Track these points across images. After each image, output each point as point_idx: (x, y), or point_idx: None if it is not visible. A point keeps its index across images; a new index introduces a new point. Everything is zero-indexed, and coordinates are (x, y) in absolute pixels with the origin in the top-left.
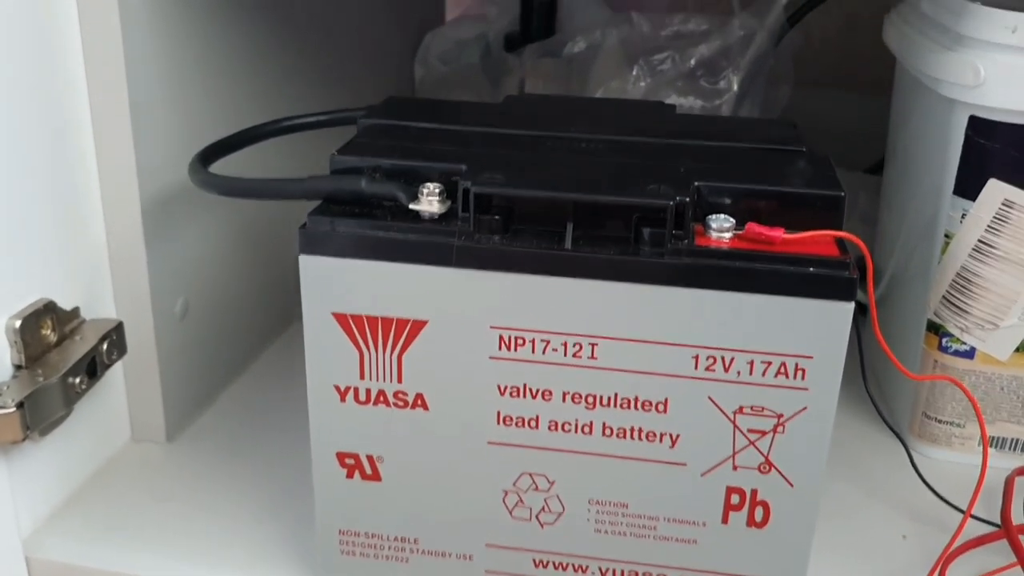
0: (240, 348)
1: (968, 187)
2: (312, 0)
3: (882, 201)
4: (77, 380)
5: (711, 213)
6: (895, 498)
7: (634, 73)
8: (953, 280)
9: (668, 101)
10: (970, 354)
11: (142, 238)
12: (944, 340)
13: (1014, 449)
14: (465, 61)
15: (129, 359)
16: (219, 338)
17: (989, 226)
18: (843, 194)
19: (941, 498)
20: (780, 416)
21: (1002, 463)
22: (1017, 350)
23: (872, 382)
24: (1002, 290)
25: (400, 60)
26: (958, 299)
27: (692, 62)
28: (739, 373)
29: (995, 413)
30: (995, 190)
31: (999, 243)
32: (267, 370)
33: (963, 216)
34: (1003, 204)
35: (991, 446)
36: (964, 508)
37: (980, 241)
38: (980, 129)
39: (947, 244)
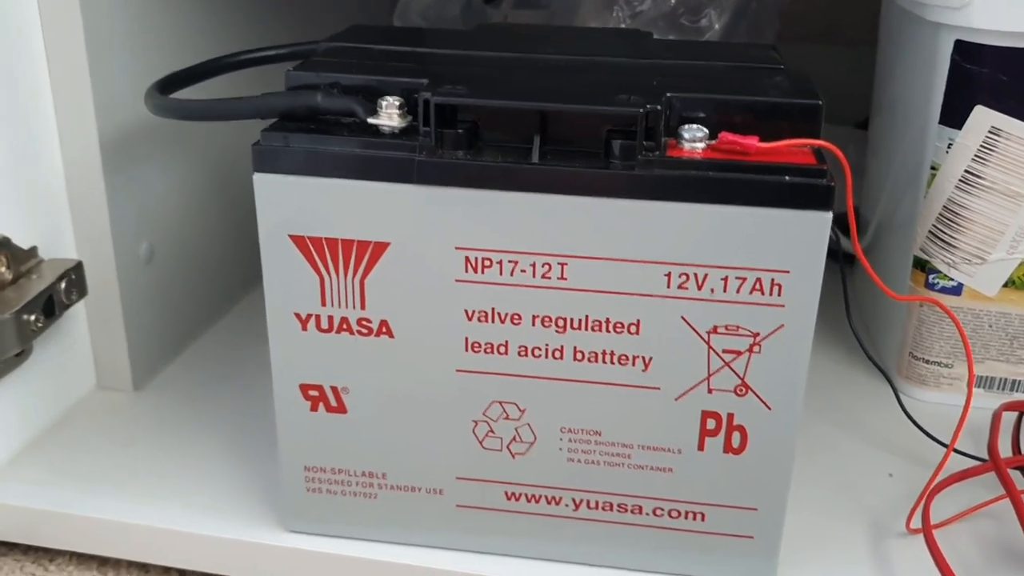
0: (211, 297)
1: (955, 115)
2: None
3: (869, 150)
4: (32, 318)
5: (684, 124)
6: (882, 437)
7: (614, 15)
8: (940, 213)
9: None
10: (957, 290)
11: (101, 175)
12: (931, 276)
13: (1002, 388)
14: (445, 15)
15: (92, 302)
16: (187, 286)
17: (976, 155)
18: (820, 103)
19: (927, 434)
20: (756, 335)
21: (990, 403)
22: (1005, 285)
23: (859, 325)
24: (990, 222)
25: (379, 15)
26: (945, 233)
27: (673, 1)
28: (713, 291)
29: (983, 351)
30: (982, 117)
31: (987, 173)
32: (240, 320)
33: (949, 146)
34: (990, 131)
35: (979, 386)
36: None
37: (967, 171)
38: (966, 53)
39: (934, 176)
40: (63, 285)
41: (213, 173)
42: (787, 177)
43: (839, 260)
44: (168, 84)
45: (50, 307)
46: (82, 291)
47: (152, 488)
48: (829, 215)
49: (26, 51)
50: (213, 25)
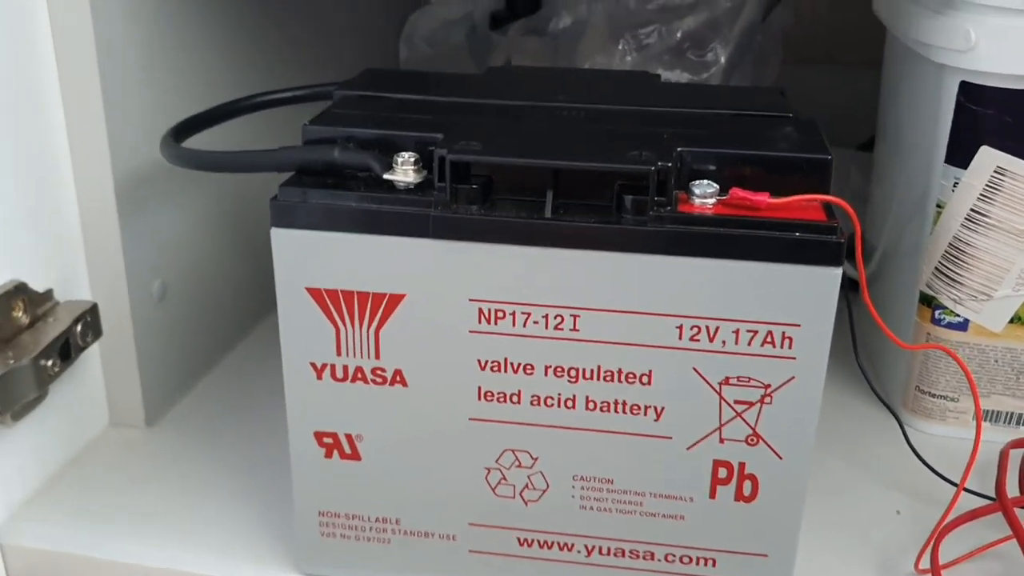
0: (221, 332)
1: (960, 155)
2: None
3: (874, 176)
4: (50, 363)
5: (695, 179)
6: (889, 473)
7: (620, 48)
8: (946, 250)
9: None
10: (963, 326)
11: (116, 218)
12: (937, 312)
13: (1009, 422)
14: (450, 40)
15: (106, 342)
16: (199, 321)
17: (981, 194)
18: (830, 158)
19: (935, 472)
20: (767, 387)
21: (997, 436)
22: (1011, 321)
23: (864, 357)
24: (995, 259)
25: (385, 40)
26: (951, 270)
27: (678, 35)
28: (724, 343)
29: (989, 386)
30: (987, 157)
31: (992, 211)
32: (249, 355)
33: (955, 185)
34: (995, 171)
35: (986, 420)
36: (958, 482)
37: (972, 210)
38: (971, 95)
39: (939, 214)
40: (79, 328)
41: (224, 208)
42: (797, 233)
43: (846, 295)
44: (183, 130)
45: (66, 350)
46: (97, 333)
47: (165, 529)
48: (839, 271)
49: (42, 96)
50: (227, 66)
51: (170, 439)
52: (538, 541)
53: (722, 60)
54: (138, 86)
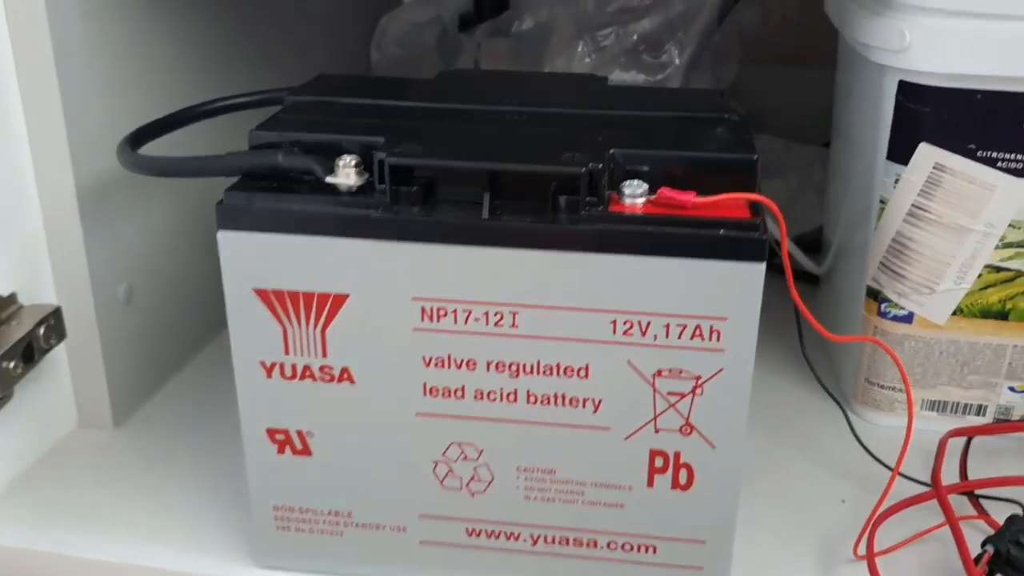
0: (188, 334)
1: (901, 152)
2: None
3: (829, 173)
4: (11, 364)
5: (628, 180)
6: (835, 463)
7: (579, 49)
8: (889, 245)
9: (612, 76)
10: (908, 319)
11: (79, 222)
12: (883, 305)
13: (954, 412)
14: (421, 43)
15: (72, 344)
16: (166, 324)
17: (922, 190)
18: (755, 157)
19: (877, 459)
20: (698, 378)
21: (943, 426)
22: (954, 313)
23: (818, 350)
24: (937, 254)
25: (356, 44)
26: (895, 264)
27: (635, 37)
28: (656, 337)
29: (935, 377)
30: (926, 154)
31: (932, 207)
32: (216, 357)
33: (896, 181)
34: (935, 168)
35: (931, 410)
36: (901, 470)
37: (914, 206)
38: (909, 93)
39: (883, 210)
40: (42, 331)
41: (189, 212)
42: (722, 231)
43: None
44: (140, 137)
45: (29, 353)
46: (61, 335)
47: (131, 526)
48: (763, 266)
49: (2, 103)
50: (191, 72)
51: (137, 439)
52: (485, 531)
53: (677, 61)
54: (98, 91)
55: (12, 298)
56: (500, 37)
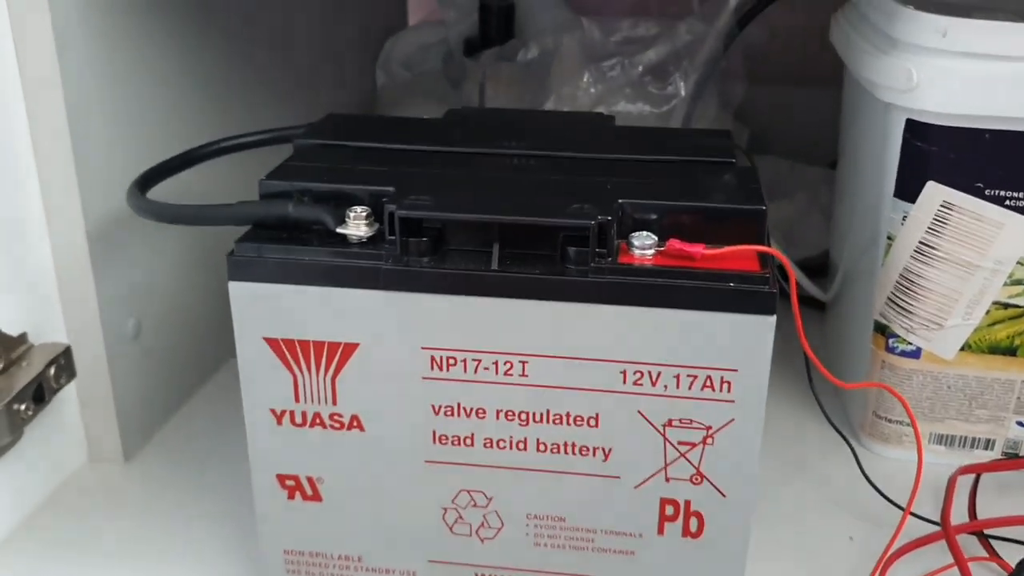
0: (196, 365)
1: (908, 189)
2: (272, 10)
3: (835, 198)
4: (23, 407)
5: (636, 229)
6: (844, 499)
7: (585, 79)
8: (897, 281)
9: (618, 107)
10: (916, 354)
11: (88, 261)
12: (891, 340)
13: (963, 446)
14: (427, 66)
15: (82, 381)
16: (174, 356)
17: (929, 228)
18: (763, 208)
19: (886, 497)
20: (708, 428)
21: (951, 460)
22: (962, 349)
23: (826, 382)
24: (945, 290)
25: (362, 66)
26: (902, 300)
27: (640, 68)
28: (666, 387)
29: (943, 411)
30: (934, 192)
31: (940, 244)
32: (224, 388)
33: (904, 218)
34: (942, 206)
35: (940, 444)
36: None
37: (921, 243)
38: (917, 132)
39: (890, 246)
40: (52, 371)
41: (195, 246)
42: (731, 284)
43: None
44: (148, 179)
45: (40, 394)
46: (71, 375)
47: (141, 562)
48: (772, 318)
49: (11, 142)
50: (201, 101)
51: (148, 473)
52: None
53: (682, 92)
54: (108, 130)
55: (22, 338)
56: (506, 63)
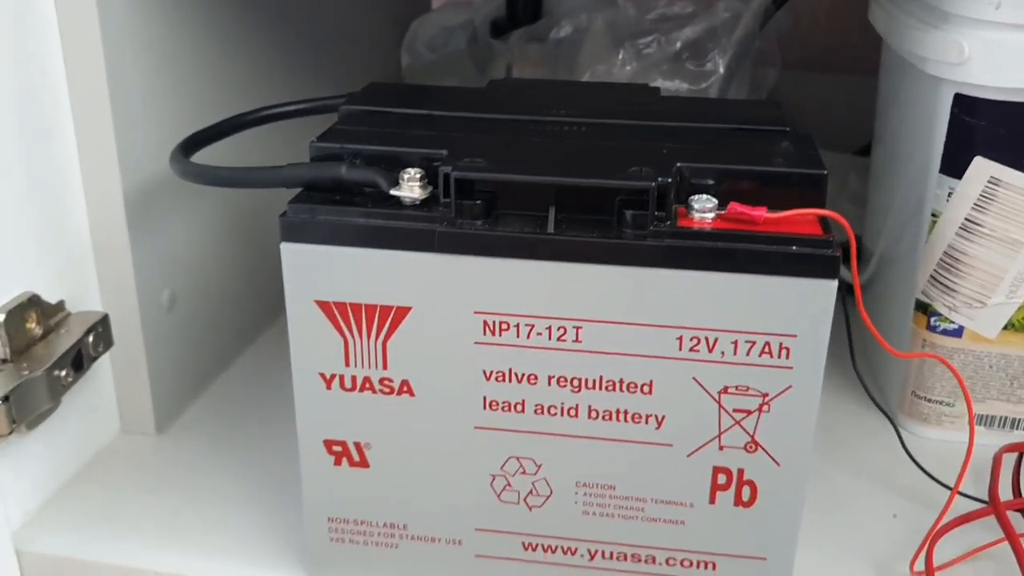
0: (229, 339)
1: (954, 165)
2: None
3: (871, 182)
4: (63, 373)
5: (694, 194)
6: (886, 478)
7: (620, 57)
8: (940, 259)
9: (654, 84)
10: (958, 332)
11: (126, 230)
12: (932, 319)
13: (1003, 427)
14: (452, 48)
15: (116, 351)
16: (207, 329)
17: (976, 204)
18: (825, 172)
19: (930, 476)
20: (765, 395)
21: (992, 440)
22: (1005, 328)
23: (862, 362)
24: (989, 267)
25: (387, 47)
26: (946, 277)
27: (678, 45)
28: (723, 353)
29: (984, 391)
30: (981, 168)
31: (986, 221)
32: (257, 360)
33: (950, 194)
34: (989, 182)
35: (980, 424)
36: (953, 486)
37: (967, 219)
38: (965, 107)
39: (934, 223)
40: (91, 339)
41: (230, 218)
42: (794, 247)
43: (843, 300)
44: (191, 144)
45: (79, 361)
46: (108, 343)
47: (177, 533)
48: (834, 283)
49: (52, 112)
50: (234, 76)
51: (180, 445)
52: (542, 545)
53: (720, 70)
54: (146, 100)
55: (60, 305)
56: (534, 43)
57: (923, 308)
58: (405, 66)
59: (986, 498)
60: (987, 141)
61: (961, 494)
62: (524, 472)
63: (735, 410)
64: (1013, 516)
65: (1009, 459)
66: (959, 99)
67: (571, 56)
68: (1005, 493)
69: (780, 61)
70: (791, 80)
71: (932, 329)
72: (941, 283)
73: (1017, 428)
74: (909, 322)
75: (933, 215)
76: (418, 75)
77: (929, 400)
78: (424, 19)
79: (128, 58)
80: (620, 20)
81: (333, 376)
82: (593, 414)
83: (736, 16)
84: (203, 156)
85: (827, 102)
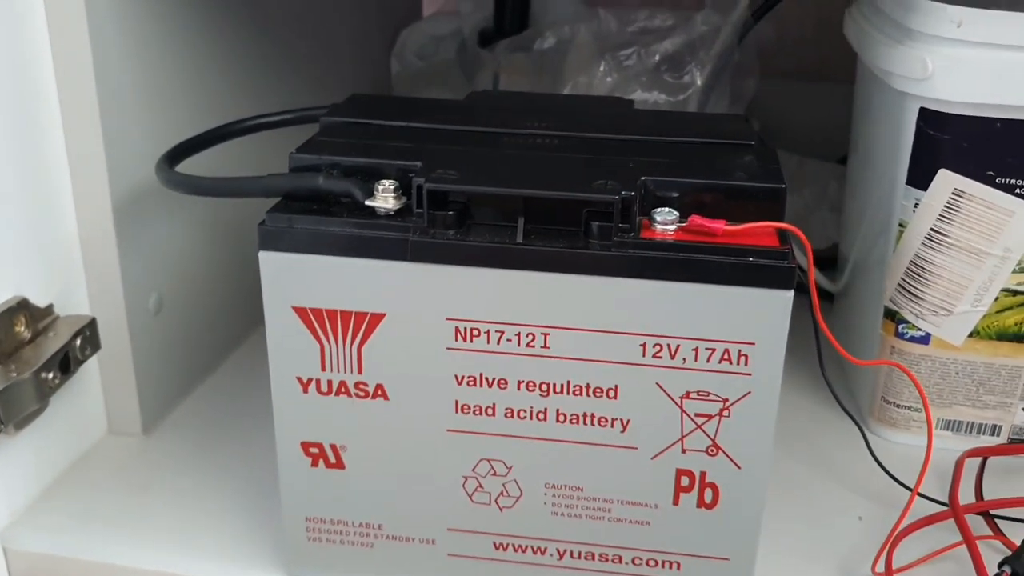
0: (215, 342)
1: (920, 177)
2: None
3: (846, 191)
4: (50, 375)
5: (658, 206)
6: (854, 481)
7: (601, 68)
8: (908, 268)
9: (634, 96)
10: (925, 340)
11: (114, 235)
12: (900, 326)
13: (969, 431)
14: (441, 56)
15: (104, 354)
16: (194, 332)
17: (940, 215)
18: (784, 186)
19: (894, 478)
20: (725, 400)
21: (957, 445)
22: (970, 335)
23: (834, 369)
24: (954, 276)
25: (376, 55)
26: (913, 286)
27: (656, 57)
28: (684, 360)
29: (951, 397)
30: (945, 180)
31: (950, 231)
32: (242, 364)
33: (916, 205)
34: (953, 193)
35: (947, 429)
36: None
37: (932, 229)
38: (930, 121)
39: (902, 232)
40: (78, 342)
41: (217, 223)
42: (751, 259)
43: (810, 312)
44: (176, 154)
45: (66, 364)
46: (96, 346)
47: (160, 533)
48: (790, 293)
49: (41, 116)
50: (223, 84)
51: (166, 447)
52: (512, 545)
53: (698, 83)
54: (135, 106)
55: (49, 309)
56: (520, 53)
57: (891, 315)
58: (395, 74)
59: (948, 501)
60: (951, 154)
61: (927, 497)
62: (495, 474)
63: (697, 415)
64: (974, 519)
65: (972, 463)
66: (924, 113)
67: (555, 67)
68: (968, 497)
69: (759, 72)
70: (777, 89)
71: (900, 336)
72: (908, 291)
73: (982, 433)
74: (878, 329)
75: (901, 225)
76: (407, 83)
77: (898, 405)
78: (414, 28)
79: (117, 65)
80: (602, 32)
81: (310, 380)
82: (561, 417)
83: (715, 30)
84: (190, 163)
85: (812, 111)
